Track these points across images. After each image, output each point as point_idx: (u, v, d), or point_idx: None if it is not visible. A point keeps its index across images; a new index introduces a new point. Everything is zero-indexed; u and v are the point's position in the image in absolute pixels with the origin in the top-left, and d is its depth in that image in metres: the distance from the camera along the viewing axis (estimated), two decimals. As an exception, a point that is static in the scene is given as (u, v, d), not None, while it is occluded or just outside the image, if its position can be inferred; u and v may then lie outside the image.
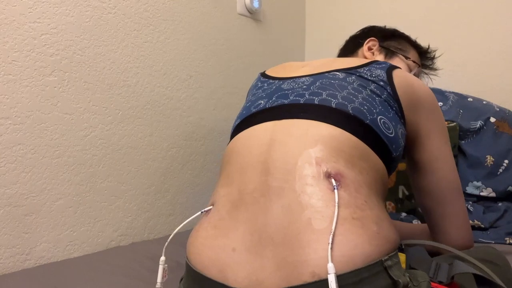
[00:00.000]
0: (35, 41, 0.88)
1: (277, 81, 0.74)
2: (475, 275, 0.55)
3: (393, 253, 0.48)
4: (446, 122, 1.21)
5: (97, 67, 1.00)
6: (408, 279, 0.47)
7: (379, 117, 0.62)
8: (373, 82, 0.67)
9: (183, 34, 1.22)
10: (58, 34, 0.92)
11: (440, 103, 1.28)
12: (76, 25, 0.96)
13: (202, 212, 0.58)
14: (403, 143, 0.66)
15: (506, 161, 1.17)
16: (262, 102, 0.68)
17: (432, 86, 1.36)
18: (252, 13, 1.48)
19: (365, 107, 0.62)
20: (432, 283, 0.52)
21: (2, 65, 0.83)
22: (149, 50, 1.13)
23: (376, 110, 0.62)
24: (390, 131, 0.62)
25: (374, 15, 1.61)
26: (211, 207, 0.57)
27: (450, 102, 1.27)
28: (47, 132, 0.91)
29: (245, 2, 1.44)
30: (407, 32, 1.53)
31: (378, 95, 0.65)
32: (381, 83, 0.67)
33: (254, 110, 0.67)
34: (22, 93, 0.86)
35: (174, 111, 1.20)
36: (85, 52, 0.97)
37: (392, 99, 0.66)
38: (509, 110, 1.26)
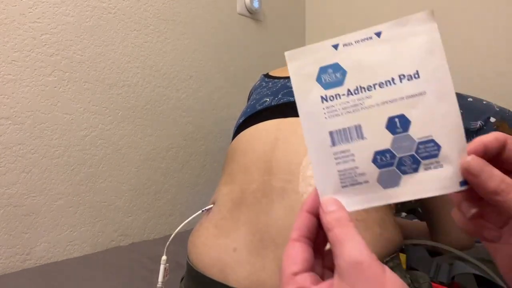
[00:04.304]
0: (35, 41, 0.88)
1: (282, 79, 0.74)
2: (475, 275, 0.56)
3: (394, 255, 0.48)
4: (446, 122, 1.21)
5: (97, 67, 1.00)
6: (409, 281, 0.47)
7: None
8: None
9: (183, 34, 1.22)
10: (58, 34, 0.92)
11: (440, 103, 1.28)
12: (76, 25, 0.95)
13: (203, 211, 0.58)
14: None
15: (506, 161, 1.17)
16: (268, 99, 0.68)
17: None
18: (252, 13, 1.47)
19: None
20: (433, 284, 0.52)
21: (2, 65, 0.83)
22: (149, 50, 1.12)
23: None
24: None
25: (374, 16, 1.61)
26: (212, 205, 0.57)
27: (450, 102, 1.27)
28: (47, 132, 0.90)
29: (245, 2, 1.44)
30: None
31: None
32: None
33: (259, 108, 0.67)
34: (22, 93, 0.86)
35: (174, 111, 1.20)
36: (85, 52, 0.97)
37: None
38: (509, 110, 1.26)
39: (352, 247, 0.24)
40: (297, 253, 0.26)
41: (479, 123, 1.20)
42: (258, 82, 0.82)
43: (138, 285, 0.76)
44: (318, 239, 0.28)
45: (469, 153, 0.25)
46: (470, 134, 1.22)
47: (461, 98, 1.28)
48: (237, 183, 0.55)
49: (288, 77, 0.74)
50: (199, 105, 1.28)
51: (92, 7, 0.98)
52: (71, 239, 0.95)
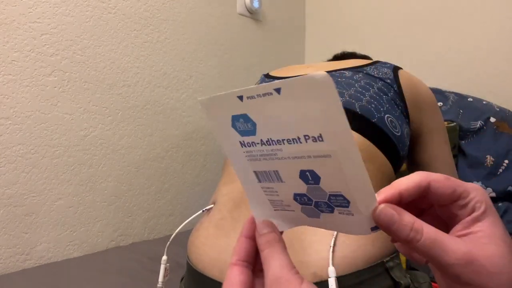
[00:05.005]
0: (35, 41, 0.88)
1: (283, 79, 0.74)
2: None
3: (394, 254, 0.48)
4: (446, 122, 1.21)
5: (97, 67, 1.00)
6: (409, 280, 0.47)
7: (386, 116, 0.62)
8: (380, 79, 0.68)
9: (183, 34, 1.22)
10: (58, 34, 0.92)
11: (440, 103, 1.28)
12: (76, 25, 0.95)
13: (203, 211, 0.58)
14: (408, 142, 0.67)
15: (506, 161, 1.17)
16: None
17: (432, 86, 1.36)
18: (252, 13, 1.47)
19: (373, 105, 0.62)
20: (433, 284, 0.52)
21: (2, 65, 0.83)
22: (149, 50, 1.12)
23: (383, 108, 0.63)
24: (397, 130, 0.62)
25: (374, 16, 1.61)
26: (212, 205, 0.57)
27: (450, 102, 1.27)
28: (47, 132, 0.90)
29: (245, 2, 1.44)
30: (408, 33, 1.53)
31: (385, 93, 0.65)
32: (388, 80, 0.68)
33: None
34: (22, 93, 0.86)
35: (174, 111, 1.20)
36: (85, 52, 0.97)
37: (398, 97, 0.67)
38: (509, 110, 1.26)
39: (275, 265, 0.26)
40: (234, 276, 0.29)
41: (479, 123, 1.20)
42: (259, 82, 0.82)
43: (138, 285, 0.76)
44: (260, 260, 0.30)
45: (381, 202, 0.25)
46: (470, 134, 1.22)
47: (461, 98, 1.28)
48: (237, 183, 0.55)
49: (288, 77, 0.74)
50: (199, 105, 1.28)
51: (92, 7, 0.98)
52: (71, 239, 0.95)
